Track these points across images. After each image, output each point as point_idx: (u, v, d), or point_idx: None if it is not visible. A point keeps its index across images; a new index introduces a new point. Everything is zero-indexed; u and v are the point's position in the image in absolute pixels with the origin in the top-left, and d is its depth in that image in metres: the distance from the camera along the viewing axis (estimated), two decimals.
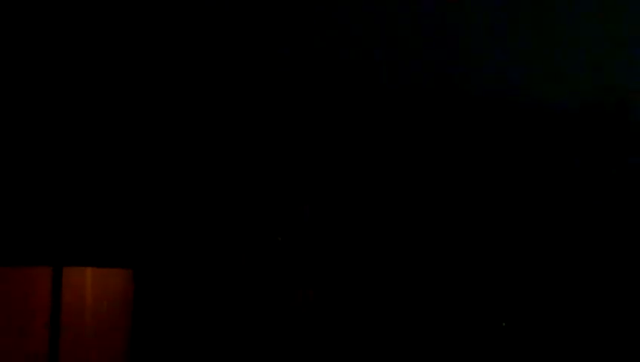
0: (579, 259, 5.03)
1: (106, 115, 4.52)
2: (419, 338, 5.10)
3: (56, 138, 4.74)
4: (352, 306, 5.23)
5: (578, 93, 4.17)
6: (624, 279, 4.95)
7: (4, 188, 4.73)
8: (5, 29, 3.19)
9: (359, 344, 5.17)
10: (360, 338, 5.18)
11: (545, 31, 3.40)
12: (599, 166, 4.93)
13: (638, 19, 3.28)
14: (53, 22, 3.14)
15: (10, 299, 4.55)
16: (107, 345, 4.73)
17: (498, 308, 5.07)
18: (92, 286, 4.71)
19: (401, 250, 5.18)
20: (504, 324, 5.00)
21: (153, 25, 3.54)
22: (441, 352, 5.08)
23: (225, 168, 5.10)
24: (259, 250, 5.16)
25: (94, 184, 4.87)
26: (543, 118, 4.56)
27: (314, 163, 5.03)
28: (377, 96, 4.44)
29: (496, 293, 5.07)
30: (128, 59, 3.87)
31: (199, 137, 4.86)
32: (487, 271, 5.09)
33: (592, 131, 4.64)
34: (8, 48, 3.47)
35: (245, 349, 5.09)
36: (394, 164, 5.17)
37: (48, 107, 4.42)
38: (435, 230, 5.12)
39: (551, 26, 3.33)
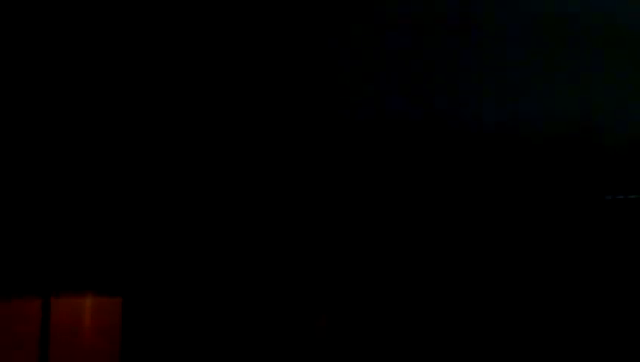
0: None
1: (92, 147, 4.52)
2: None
3: (41, 168, 4.74)
4: (366, 331, 5.12)
5: (554, 127, 4.28)
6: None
7: None
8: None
9: None
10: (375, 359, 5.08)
11: (526, 69, 3.51)
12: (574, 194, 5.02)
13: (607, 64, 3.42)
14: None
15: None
16: None
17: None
18: (80, 315, 4.73)
19: (413, 271, 5.14)
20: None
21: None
22: None
23: (217, 189, 5.06)
24: (256, 274, 5.08)
25: (81, 216, 4.87)
26: (517, 150, 4.65)
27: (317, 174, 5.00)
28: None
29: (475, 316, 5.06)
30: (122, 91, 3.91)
31: (184, 161, 4.83)
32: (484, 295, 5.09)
33: (566, 161, 4.74)
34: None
35: None
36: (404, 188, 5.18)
37: (33, 137, 4.43)
38: (443, 249, 5.13)
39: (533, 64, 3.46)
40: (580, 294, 5.03)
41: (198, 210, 5.05)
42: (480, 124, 4.23)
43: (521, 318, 5.07)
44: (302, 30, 3.08)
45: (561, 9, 2.93)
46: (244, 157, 4.71)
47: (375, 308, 5.15)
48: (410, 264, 5.13)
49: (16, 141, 4.46)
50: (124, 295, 4.81)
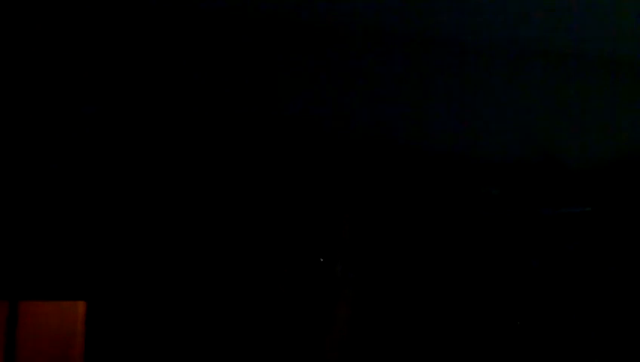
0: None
1: (55, 151, 4.42)
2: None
3: (5, 172, 4.64)
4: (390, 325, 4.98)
5: (509, 148, 4.38)
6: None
7: None
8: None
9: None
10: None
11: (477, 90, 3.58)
12: (530, 215, 5.13)
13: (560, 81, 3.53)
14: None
15: None
16: None
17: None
18: (47, 319, 4.74)
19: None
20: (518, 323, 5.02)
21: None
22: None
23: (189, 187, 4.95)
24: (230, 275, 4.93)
25: (46, 217, 4.79)
26: (474, 172, 4.71)
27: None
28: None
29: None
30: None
31: (147, 162, 4.72)
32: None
33: (523, 184, 4.83)
34: None
35: None
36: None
37: None
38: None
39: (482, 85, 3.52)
40: (504, 307, 5.09)
41: (165, 208, 4.94)
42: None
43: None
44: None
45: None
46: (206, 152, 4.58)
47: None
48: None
49: None
50: (88, 298, 4.75)
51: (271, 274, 4.83)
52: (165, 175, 4.77)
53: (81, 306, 4.90)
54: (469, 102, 3.77)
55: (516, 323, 5.04)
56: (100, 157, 4.47)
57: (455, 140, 4.26)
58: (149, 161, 4.62)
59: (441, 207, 5.16)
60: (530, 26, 3.03)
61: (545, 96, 3.73)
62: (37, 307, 4.90)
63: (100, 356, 4.68)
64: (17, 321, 4.68)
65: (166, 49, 3.32)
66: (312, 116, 3.98)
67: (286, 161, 4.59)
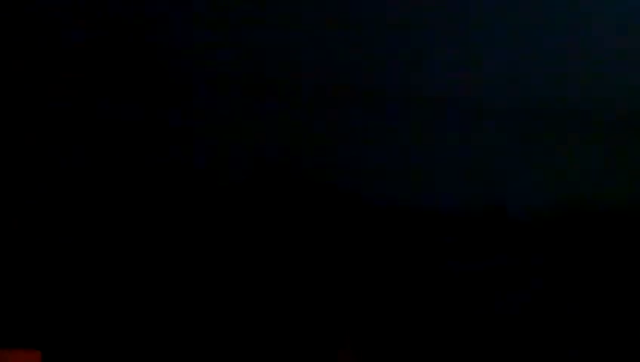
0: None
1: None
2: None
3: None
4: None
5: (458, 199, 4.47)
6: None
7: None
8: None
9: None
10: None
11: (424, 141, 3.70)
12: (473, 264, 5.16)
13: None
14: None
15: None
16: None
17: None
18: None
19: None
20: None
21: None
22: None
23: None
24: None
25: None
26: (421, 222, 4.73)
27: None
28: None
29: None
30: None
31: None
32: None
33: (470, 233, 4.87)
34: None
35: None
36: None
37: None
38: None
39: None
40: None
41: (124, 255, 4.86)
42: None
43: None
44: None
45: None
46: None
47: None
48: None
49: None
50: (43, 348, 4.68)
51: (264, 318, 4.73)
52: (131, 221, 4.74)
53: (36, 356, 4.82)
54: (413, 150, 3.81)
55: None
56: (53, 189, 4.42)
57: (398, 189, 4.28)
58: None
59: (394, 258, 5.13)
60: (474, 83, 3.15)
61: (494, 150, 3.79)
62: None
63: None
64: None
65: None
66: None
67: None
